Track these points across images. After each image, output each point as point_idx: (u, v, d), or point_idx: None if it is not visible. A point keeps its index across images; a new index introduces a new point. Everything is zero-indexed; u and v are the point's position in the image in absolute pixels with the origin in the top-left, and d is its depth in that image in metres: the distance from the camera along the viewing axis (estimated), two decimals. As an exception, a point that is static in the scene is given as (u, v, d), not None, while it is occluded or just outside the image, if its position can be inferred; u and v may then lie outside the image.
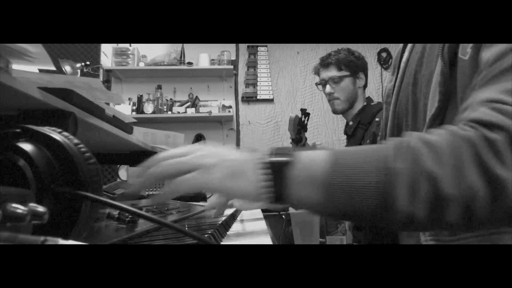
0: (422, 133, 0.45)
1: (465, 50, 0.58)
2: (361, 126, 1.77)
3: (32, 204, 0.28)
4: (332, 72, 1.82)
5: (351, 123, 1.82)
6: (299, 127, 1.76)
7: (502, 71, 0.48)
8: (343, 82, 1.81)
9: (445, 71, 0.61)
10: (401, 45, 0.81)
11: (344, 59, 1.82)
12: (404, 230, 0.44)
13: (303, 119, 1.79)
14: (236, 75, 3.47)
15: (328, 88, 1.83)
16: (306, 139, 1.79)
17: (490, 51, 0.51)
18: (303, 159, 0.46)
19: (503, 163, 0.40)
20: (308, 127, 1.94)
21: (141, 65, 3.26)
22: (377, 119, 1.70)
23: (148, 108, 3.18)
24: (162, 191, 0.50)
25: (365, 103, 1.83)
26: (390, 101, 0.79)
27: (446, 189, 0.40)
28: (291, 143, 1.83)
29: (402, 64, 0.76)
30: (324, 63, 1.86)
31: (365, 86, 1.86)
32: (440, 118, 0.61)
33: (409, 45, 0.75)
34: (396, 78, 0.79)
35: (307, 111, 1.83)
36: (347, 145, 1.83)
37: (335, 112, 1.87)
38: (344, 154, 0.45)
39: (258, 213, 1.19)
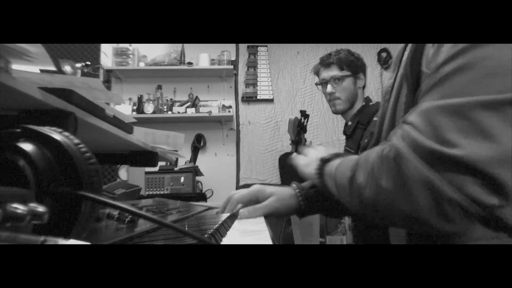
0: (373, 149, 0.61)
1: (430, 65, 0.60)
2: (360, 126, 1.77)
3: (32, 204, 0.28)
4: (334, 72, 1.82)
5: (350, 123, 1.82)
6: (298, 129, 1.77)
7: (430, 87, 0.57)
8: (345, 82, 1.81)
9: (409, 84, 0.67)
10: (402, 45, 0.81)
11: (345, 59, 1.82)
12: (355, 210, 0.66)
13: (302, 120, 1.80)
14: (236, 75, 3.47)
15: (329, 87, 1.82)
16: (305, 140, 1.80)
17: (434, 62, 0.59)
18: (331, 162, 0.76)
19: (384, 177, 0.55)
20: (307, 127, 1.95)
21: (141, 65, 3.26)
22: (375, 119, 1.70)
23: (148, 108, 3.18)
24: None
25: (363, 103, 1.83)
26: (389, 98, 0.80)
27: (361, 190, 0.60)
28: (290, 144, 1.83)
29: (402, 63, 0.77)
30: (325, 62, 1.86)
31: (364, 86, 1.87)
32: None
33: (405, 57, 0.76)
34: (396, 76, 0.79)
35: (306, 112, 1.84)
36: (346, 145, 1.84)
37: (335, 112, 1.87)
38: (340, 164, 0.70)
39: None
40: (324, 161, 0.77)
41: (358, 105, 1.83)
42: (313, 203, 0.94)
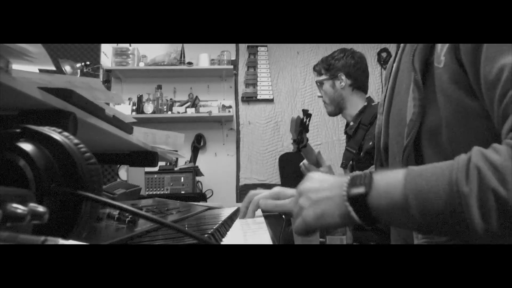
0: (484, 151, 0.48)
1: (439, 59, 0.60)
2: (362, 127, 1.77)
3: (32, 204, 0.28)
4: (316, 77, 1.93)
5: (351, 123, 1.83)
6: (300, 128, 1.77)
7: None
8: (324, 86, 1.89)
9: (417, 79, 0.64)
10: (394, 54, 0.82)
11: (324, 63, 1.91)
12: (480, 241, 0.48)
13: (304, 120, 1.80)
14: (236, 75, 3.47)
15: (318, 93, 1.94)
16: (307, 139, 1.79)
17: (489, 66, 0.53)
18: (379, 187, 0.51)
19: None
20: (309, 126, 1.95)
21: (141, 65, 3.26)
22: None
23: (148, 108, 3.18)
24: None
25: (365, 104, 1.83)
26: (382, 111, 0.81)
27: (510, 204, 0.44)
28: (292, 143, 1.83)
29: (392, 75, 0.78)
30: (314, 69, 1.98)
31: (354, 86, 1.85)
32: (418, 123, 0.64)
33: (407, 55, 0.76)
34: (387, 89, 0.80)
35: (309, 112, 1.84)
36: (347, 145, 1.83)
37: (328, 114, 1.96)
38: (417, 179, 0.49)
39: (258, 213, 1.19)
40: (356, 196, 0.52)
41: (352, 105, 1.84)
42: None
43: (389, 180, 0.51)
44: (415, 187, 0.48)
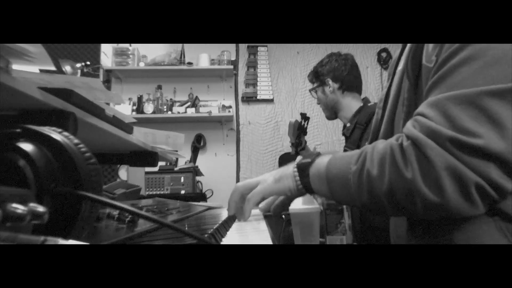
0: (379, 141, 0.62)
1: (430, 58, 0.62)
2: (358, 127, 1.77)
3: (32, 204, 0.28)
4: (310, 87, 2.01)
5: (348, 124, 1.83)
6: (299, 132, 1.77)
7: (436, 81, 0.58)
8: (317, 93, 1.94)
9: (409, 79, 0.67)
10: (398, 52, 0.82)
11: (313, 72, 1.96)
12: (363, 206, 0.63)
13: (303, 123, 1.80)
14: (236, 75, 3.47)
15: (316, 100, 2.00)
16: (305, 142, 1.80)
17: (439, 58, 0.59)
18: (317, 161, 0.70)
19: (407, 166, 0.55)
20: (308, 128, 1.96)
21: (141, 65, 3.26)
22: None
23: (148, 108, 3.18)
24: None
25: (362, 104, 1.84)
26: (382, 105, 0.81)
27: (374, 182, 0.58)
28: (291, 146, 1.84)
29: (398, 74, 0.78)
30: (308, 79, 2.04)
31: (343, 88, 1.86)
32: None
33: (405, 54, 0.76)
34: (390, 85, 0.81)
35: (307, 115, 1.85)
36: (345, 146, 1.84)
37: (326, 119, 2.02)
38: (335, 159, 0.67)
39: (258, 213, 1.19)
40: (303, 165, 0.72)
41: (346, 107, 1.85)
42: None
43: (323, 158, 0.69)
44: (330, 165, 0.66)
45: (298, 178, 0.72)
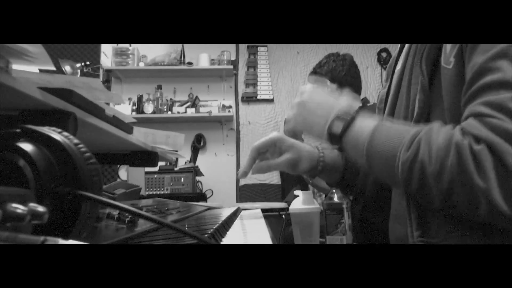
0: (433, 126, 0.55)
1: (448, 60, 0.60)
2: None
3: (32, 204, 0.28)
4: None
5: None
6: None
7: (489, 84, 0.53)
8: None
9: (423, 82, 0.64)
10: (396, 52, 0.82)
11: (312, 73, 1.92)
12: (408, 191, 0.59)
13: None
14: (236, 75, 3.47)
15: None
16: (303, 140, 1.80)
17: (478, 57, 0.55)
18: (355, 128, 0.63)
19: (480, 173, 0.50)
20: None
21: (141, 65, 3.26)
22: None
23: (148, 108, 3.18)
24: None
25: (360, 105, 1.84)
26: (382, 107, 0.81)
27: (429, 178, 0.53)
28: None
29: (396, 73, 0.78)
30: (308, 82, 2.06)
31: (341, 88, 1.86)
32: (422, 123, 0.64)
33: (403, 54, 0.76)
34: (389, 85, 0.80)
35: None
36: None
37: None
38: (380, 134, 0.60)
39: (258, 213, 1.19)
40: (335, 136, 0.64)
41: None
42: (329, 169, 0.91)
43: (363, 127, 0.62)
44: (374, 140, 0.60)
45: (329, 142, 0.65)
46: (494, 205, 0.49)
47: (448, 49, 0.60)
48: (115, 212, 0.64)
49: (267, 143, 0.88)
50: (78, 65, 2.63)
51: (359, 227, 1.71)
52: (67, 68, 2.51)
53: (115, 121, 0.76)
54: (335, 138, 0.65)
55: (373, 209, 1.07)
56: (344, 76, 1.87)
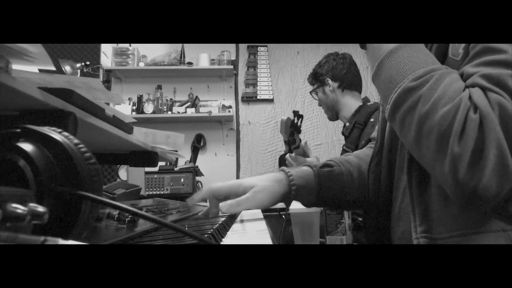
0: (452, 74, 0.56)
1: (457, 51, 0.60)
2: (357, 126, 1.78)
3: (32, 204, 0.28)
4: (311, 86, 2.01)
5: (347, 124, 1.84)
6: (291, 129, 1.77)
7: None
8: (318, 95, 1.95)
9: None
10: None
11: (312, 74, 1.96)
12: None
13: (296, 121, 1.79)
14: (236, 75, 3.48)
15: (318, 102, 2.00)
16: (300, 140, 1.79)
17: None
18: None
19: (460, 140, 0.51)
20: (308, 127, 1.96)
21: (141, 65, 3.27)
22: (372, 120, 1.71)
23: (148, 108, 3.19)
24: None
25: (361, 103, 1.84)
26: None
27: (417, 113, 0.55)
28: (284, 144, 1.83)
29: None
30: (308, 81, 2.04)
31: (342, 86, 1.87)
32: None
33: None
34: None
35: (300, 113, 1.84)
36: (344, 145, 1.84)
37: (329, 120, 2.02)
38: (403, 52, 0.60)
39: (258, 213, 1.19)
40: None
41: (346, 106, 1.86)
42: (303, 190, 0.86)
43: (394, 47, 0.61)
44: (390, 61, 0.60)
45: None
46: (456, 171, 0.50)
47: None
48: (115, 212, 0.64)
49: (227, 188, 0.85)
50: (78, 65, 2.63)
51: (359, 227, 1.70)
52: (67, 68, 2.51)
53: (115, 121, 0.76)
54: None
55: (375, 212, 1.07)
56: (345, 74, 1.87)
